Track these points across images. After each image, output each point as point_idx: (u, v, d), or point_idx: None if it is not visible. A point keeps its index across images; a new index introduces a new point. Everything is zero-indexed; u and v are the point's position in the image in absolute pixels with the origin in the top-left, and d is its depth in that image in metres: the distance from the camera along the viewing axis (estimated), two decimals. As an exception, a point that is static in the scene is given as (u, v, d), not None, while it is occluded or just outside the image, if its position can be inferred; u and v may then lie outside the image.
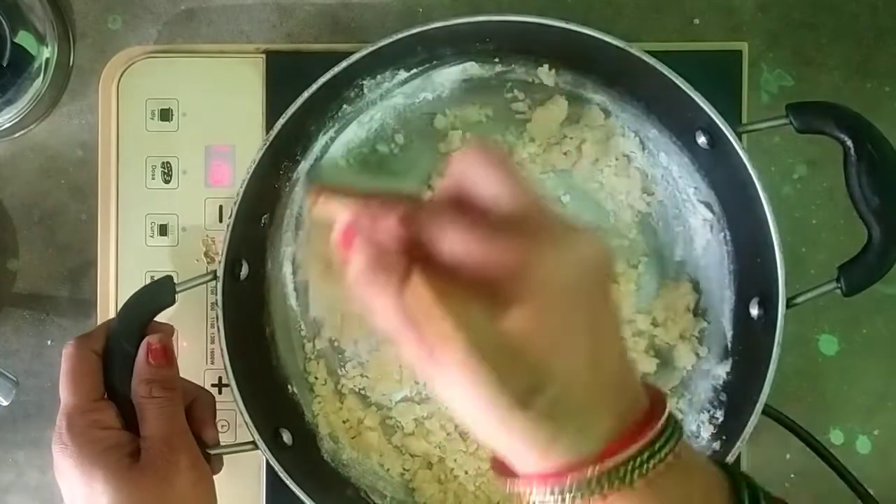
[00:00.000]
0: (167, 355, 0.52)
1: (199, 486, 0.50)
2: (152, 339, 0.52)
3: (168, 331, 0.55)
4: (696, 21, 0.65)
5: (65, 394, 0.50)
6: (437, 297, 0.32)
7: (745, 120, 0.62)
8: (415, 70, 0.61)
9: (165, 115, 0.64)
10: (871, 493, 0.56)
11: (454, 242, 0.33)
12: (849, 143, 0.52)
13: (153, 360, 0.51)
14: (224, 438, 0.62)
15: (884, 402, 0.65)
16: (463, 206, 0.34)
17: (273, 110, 0.62)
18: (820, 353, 0.65)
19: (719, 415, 0.60)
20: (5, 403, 0.59)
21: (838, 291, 0.54)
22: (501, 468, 0.35)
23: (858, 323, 0.65)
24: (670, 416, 0.34)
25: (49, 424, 0.64)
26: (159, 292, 0.53)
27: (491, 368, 0.31)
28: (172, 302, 0.53)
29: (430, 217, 0.33)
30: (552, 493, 0.33)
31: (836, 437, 0.64)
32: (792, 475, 0.64)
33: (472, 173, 0.34)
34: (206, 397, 0.56)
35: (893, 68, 0.65)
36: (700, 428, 0.60)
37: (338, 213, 0.35)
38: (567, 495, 0.33)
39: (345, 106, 0.61)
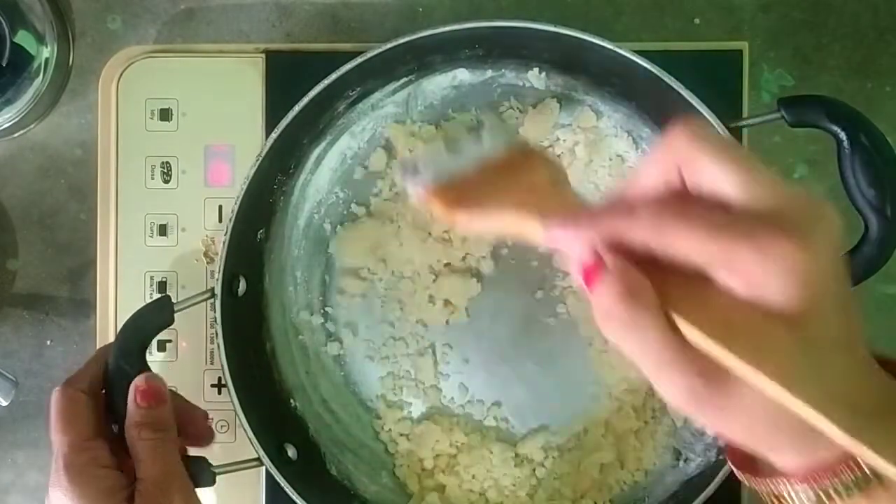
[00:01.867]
0: (156, 395, 0.50)
1: None
2: (139, 381, 0.51)
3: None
4: (697, 21, 0.64)
5: (57, 436, 0.49)
6: (706, 326, 0.29)
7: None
8: (405, 79, 0.61)
9: (165, 114, 0.63)
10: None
11: (696, 248, 0.29)
12: (842, 135, 0.52)
13: (142, 402, 0.50)
14: (224, 439, 0.63)
15: (884, 402, 0.65)
16: (680, 197, 0.30)
17: (273, 110, 0.62)
18: (820, 353, 0.65)
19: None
20: (5, 403, 0.59)
21: None
22: (743, 463, 0.33)
23: (859, 323, 0.65)
24: None
25: (49, 424, 0.64)
26: (158, 313, 0.52)
27: (802, 388, 0.28)
28: (171, 322, 0.53)
29: (653, 218, 0.30)
30: (819, 490, 0.31)
31: (836, 437, 0.64)
32: (792, 475, 0.64)
33: (693, 162, 0.30)
34: (198, 418, 0.55)
35: (894, 68, 0.65)
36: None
37: (551, 241, 0.32)
38: (836, 492, 0.31)
39: (336, 117, 0.61)
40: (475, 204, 0.36)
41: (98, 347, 0.53)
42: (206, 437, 0.55)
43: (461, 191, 0.37)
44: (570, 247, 0.31)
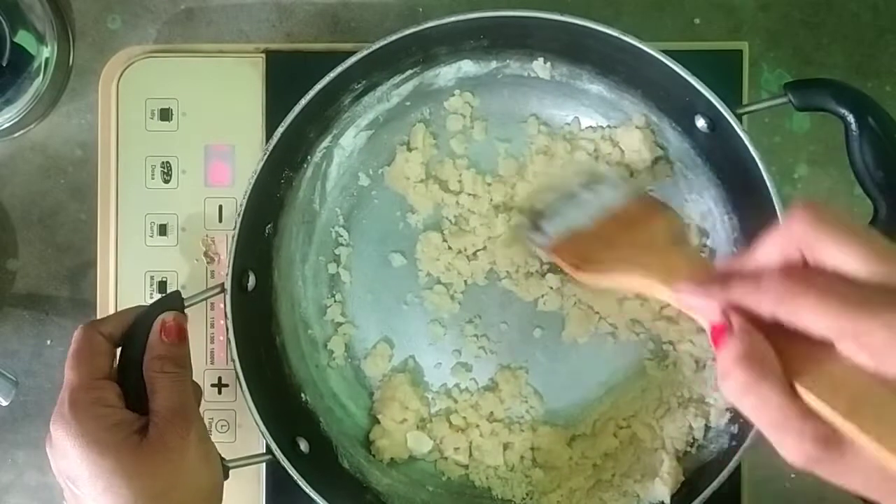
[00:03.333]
0: (180, 333, 0.51)
1: (208, 460, 0.50)
2: (167, 317, 0.51)
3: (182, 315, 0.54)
4: (697, 21, 0.65)
5: (68, 372, 0.49)
6: (829, 398, 0.29)
7: (748, 128, 0.62)
8: (410, 71, 0.61)
9: (165, 114, 0.63)
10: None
11: (824, 320, 0.30)
12: (849, 117, 0.52)
13: (166, 338, 0.51)
14: (224, 438, 0.63)
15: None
16: (803, 270, 0.31)
17: (273, 110, 0.62)
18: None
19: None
20: (5, 403, 0.59)
21: None
22: None
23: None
24: None
25: (49, 424, 0.64)
26: (168, 306, 0.52)
27: None
28: None
29: (782, 287, 0.30)
30: None
31: (836, 437, 0.64)
32: (792, 475, 0.64)
33: (816, 243, 0.31)
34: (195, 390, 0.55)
35: (894, 68, 0.65)
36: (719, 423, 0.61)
37: (681, 303, 0.33)
38: None
39: (342, 110, 0.61)
40: (598, 262, 0.37)
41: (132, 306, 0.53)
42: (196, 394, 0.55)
43: (584, 246, 0.38)
44: (701, 310, 0.33)
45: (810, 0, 0.65)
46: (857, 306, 0.29)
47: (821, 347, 0.30)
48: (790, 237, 0.32)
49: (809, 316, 0.30)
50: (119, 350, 0.51)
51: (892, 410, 0.29)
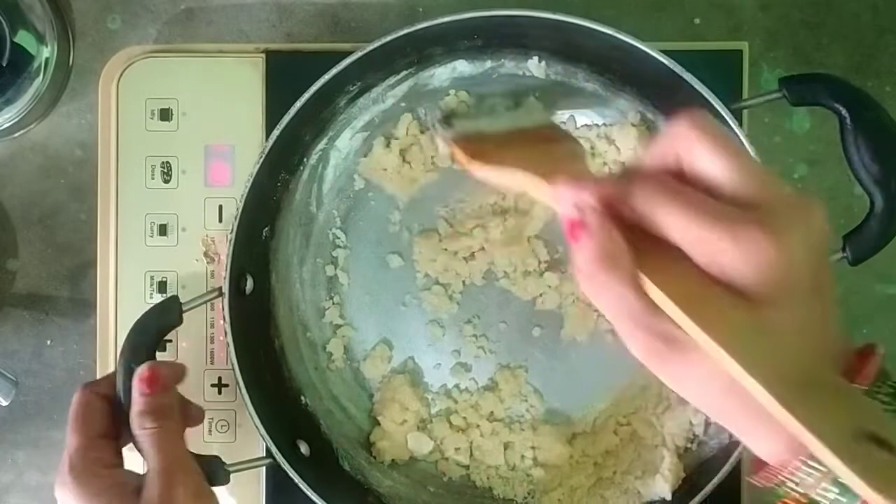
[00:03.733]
0: (157, 382, 0.51)
1: None
2: (141, 369, 0.51)
3: (177, 368, 0.53)
4: (697, 21, 0.65)
5: (69, 435, 0.50)
6: (673, 294, 0.31)
7: (748, 128, 0.62)
8: (405, 72, 0.61)
9: (165, 114, 0.63)
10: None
11: (678, 226, 0.31)
12: (844, 112, 0.52)
13: (145, 389, 0.50)
14: (224, 439, 0.63)
15: (884, 402, 0.65)
16: (677, 179, 0.32)
17: (273, 110, 0.62)
18: (820, 352, 0.65)
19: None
20: (5, 403, 0.59)
21: (845, 261, 0.53)
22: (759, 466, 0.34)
23: (859, 323, 0.65)
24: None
25: (49, 424, 0.64)
26: (166, 313, 0.52)
27: (749, 362, 0.30)
28: (179, 322, 0.53)
29: (647, 193, 0.32)
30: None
31: (836, 437, 0.64)
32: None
33: (692, 149, 0.32)
34: (196, 413, 0.55)
35: (893, 68, 0.65)
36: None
37: (553, 197, 0.34)
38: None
39: (337, 112, 0.61)
40: (494, 160, 0.38)
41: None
42: (197, 417, 0.55)
43: (485, 144, 0.40)
44: (566, 205, 0.34)
45: (810, 0, 0.65)
46: (709, 216, 0.31)
47: (677, 251, 0.32)
48: (672, 140, 0.33)
49: (666, 220, 0.31)
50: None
51: (728, 312, 0.31)
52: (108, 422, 0.51)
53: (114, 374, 0.53)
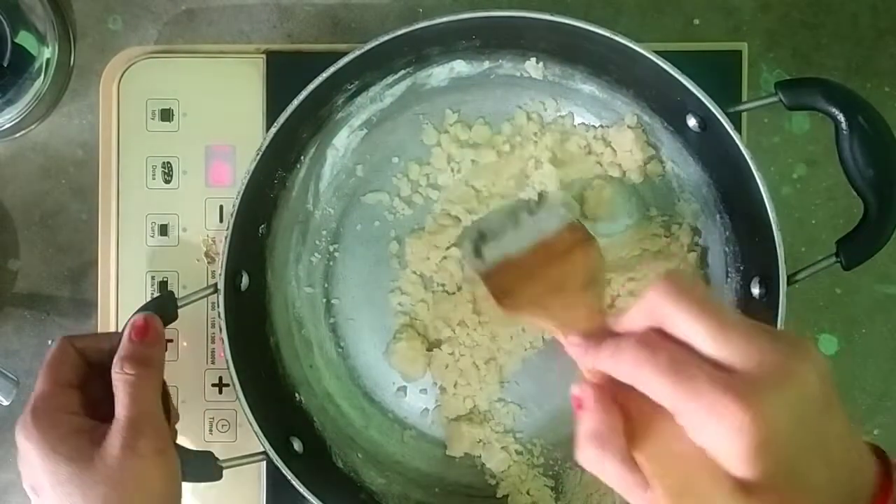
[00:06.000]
0: (149, 332, 0.50)
1: (163, 474, 0.48)
2: (137, 316, 0.51)
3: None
4: (696, 21, 0.65)
5: (37, 382, 0.50)
6: (664, 484, 0.31)
7: (747, 128, 0.62)
8: (403, 71, 0.61)
9: (166, 115, 0.64)
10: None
11: (661, 395, 0.31)
12: (839, 116, 0.52)
13: (134, 336, 0.50)
14: (225, 438, 0.63)
15: (883, 402, 0.65)
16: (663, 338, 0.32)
17: (273, 110, 0.62)
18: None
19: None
20: (6, 403, 0.59)
21: (839, 265, 0.53)
22: None
23: (858, 323, 0.65)
24: None
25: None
26: (161, 308, 0.52)
27: None
28: (174, 317, 0.53)
29: (630, 360, 0.32)
30: None
31: (835, 437, 0.64)
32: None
33: (670, 316, 0.32)
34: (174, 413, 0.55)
35: (893, 68, 0.65)
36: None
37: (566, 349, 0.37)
38: None
39: (335, 111, 0.61)
40: (518, 297, 0.44)
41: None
42: (174, 415, 0.55)
43: (510, 277, 0.46)
44: (580, 363, 0.36)
45: (810, 1, 0.65)
46: (689, 385, 0.30)
47: (669, 416, 0.31)
48: (650, 310, 0.33)
49: (650, 389, 0.32)
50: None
51: (710, 493, 0.30)
52: (80, 374, 0.50)
53: (98, 336, 0.53)
